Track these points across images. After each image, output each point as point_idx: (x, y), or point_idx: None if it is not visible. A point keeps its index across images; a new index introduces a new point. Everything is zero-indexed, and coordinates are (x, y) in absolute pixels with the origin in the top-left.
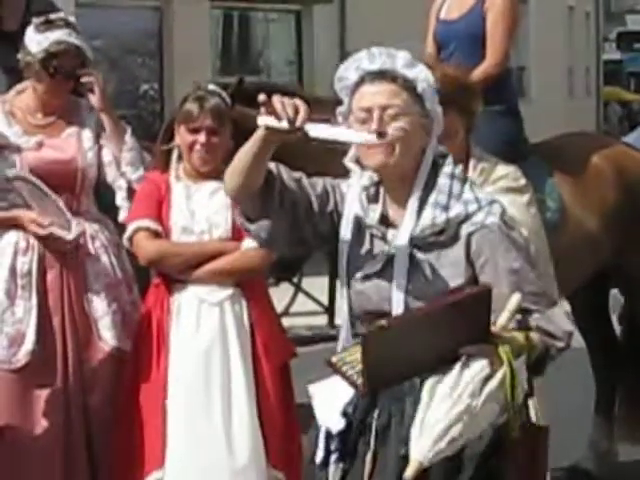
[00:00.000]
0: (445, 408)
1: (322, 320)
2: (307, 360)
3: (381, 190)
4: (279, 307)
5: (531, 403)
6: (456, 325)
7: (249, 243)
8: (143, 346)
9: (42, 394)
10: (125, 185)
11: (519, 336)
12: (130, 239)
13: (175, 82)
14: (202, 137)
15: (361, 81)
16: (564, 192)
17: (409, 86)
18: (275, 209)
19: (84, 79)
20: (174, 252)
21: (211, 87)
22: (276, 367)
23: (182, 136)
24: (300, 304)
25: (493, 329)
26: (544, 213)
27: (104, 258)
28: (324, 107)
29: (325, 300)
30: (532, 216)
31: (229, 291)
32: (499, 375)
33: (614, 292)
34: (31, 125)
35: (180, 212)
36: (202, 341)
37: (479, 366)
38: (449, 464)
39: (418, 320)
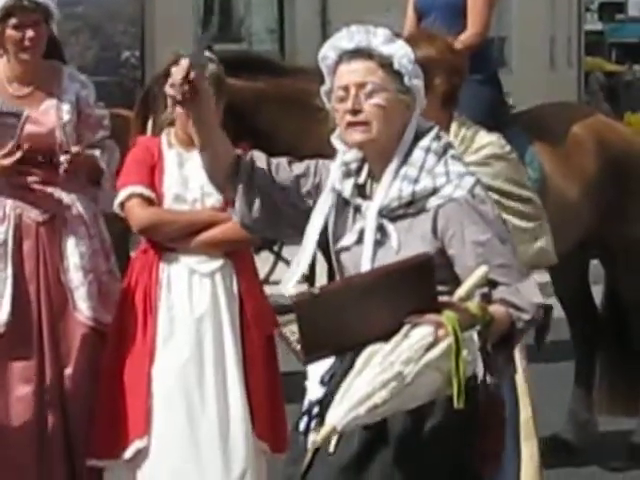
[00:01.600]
0: (372, 374)
1: (303, 288)
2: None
3: (365, 165)
4: (260, 275)
5: (517, 380)
6: (398, 294)
7: None
8: (129, 313)
9: (16, 365)
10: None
11: (472, 306)
12: (121, 205)
13: (156, 49)
14: None
15: (340, 60)
16: (545, 161)
17: (386, 63)
18: (246, 193)
19: (62, 159)
20: (168, 220)
21: (207, 54)
22: (263, 338)
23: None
24: (281, 272)
25: (444, 299)
26: None
27: (81, 228)
28: (306, 76)
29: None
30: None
31: (220, 262)
32: (443, 344)
33: (594, 263)
34: (10, 96)
35: (173, 179)
36: (194, 313)
37: (420, 334)
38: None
39: (352, 287)
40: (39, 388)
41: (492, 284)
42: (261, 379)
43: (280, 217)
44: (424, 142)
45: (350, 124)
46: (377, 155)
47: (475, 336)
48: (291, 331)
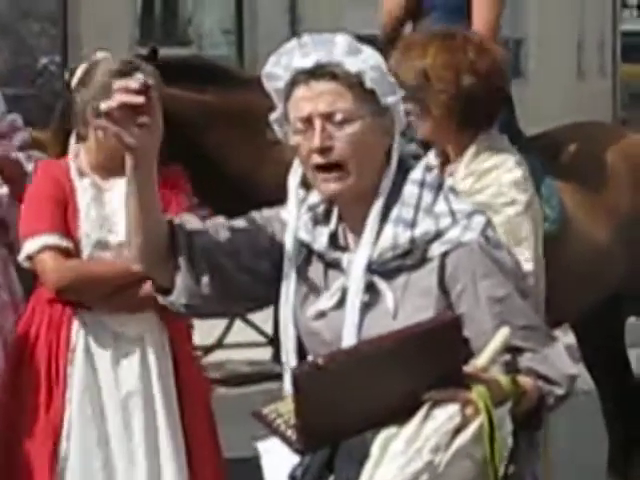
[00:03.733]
0: (398, 465)
1: (265, 353)
2: (247, 403)
3: (334, 208)
4: (210, 337)
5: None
6: (416, 364)
7: None
8: (26, 378)
9: None
10: None
11: (503, 379)
12: (31, 258)
13: (83, 55)
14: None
15: (294, 81)
16: (566, 196)
17: (354, 81)
18: (190, 267)
19: None
20: (91, 277)
21: (132, 59)
22: (202, 406)
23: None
24: (237, 333)
25: (468, 370)
26: None
27: None
28: (262, 88)
29: (269, 329)
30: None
31: (149, 321)
32: (474, 426)
33: (631, 321)
34: None
35: (90, 220)
36: (121, 389)
37: (446, 415)
38: None
39: (364, 357)
40: None
41: (514, 350)
42: (205, 460)
43: (235, 288)
44: (415, 174)
45: (319, 168)
46: (354, 198)
47: (507, 415)
48: (277, 412)
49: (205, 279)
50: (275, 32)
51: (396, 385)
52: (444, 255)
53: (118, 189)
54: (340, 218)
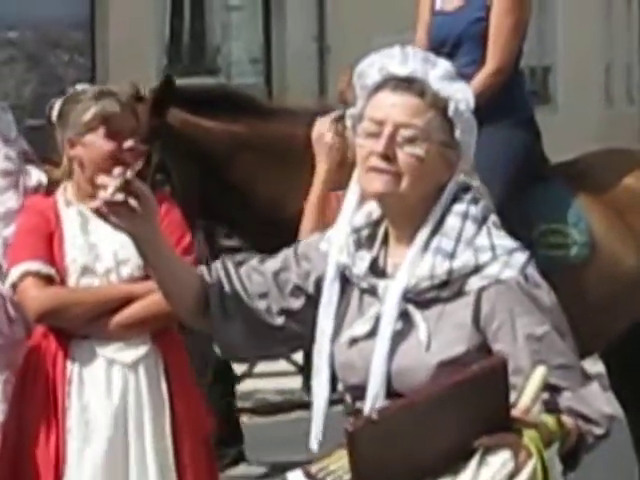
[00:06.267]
0: None
1: (295, 382)
2: (276, 432)
3: (379, 232)
4: (241, 366)
5: None
6: (466, 410)
7: None
8: (26, 417)
9: None
10: None
11: (549, 420)
12: (14, 286)
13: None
14: (129, 142)
15: (383, 84)
16: (594, 223)
17: (440, 105)
18: (223, 318)
19: None
20: (73, 301)
21: (108, 88)
22: (199, 443)
23: (93, 145)
24: (267, 362)
25: (514, 413)
26: (568, 248)
27: None
28: (297, 119)
29: (299, 358)
30: None
31: (144, 348)
32: (527, 470)
33: None
34: None
35: (77, 247)
36: (115, 417)
37: (500, 460)
38: None
39: (415, 407)
40: None
41: (552, 389)
42: None
43: (269, 330)
44: (460, 206)
45: (374, 169)
46: (400, 217)
47: (556, 456)
48: (327, 470)
49: (238, 325)
50: (303, 61)
51: (447, 433)
52: (481, 290)
53: None
54: (383, 243)
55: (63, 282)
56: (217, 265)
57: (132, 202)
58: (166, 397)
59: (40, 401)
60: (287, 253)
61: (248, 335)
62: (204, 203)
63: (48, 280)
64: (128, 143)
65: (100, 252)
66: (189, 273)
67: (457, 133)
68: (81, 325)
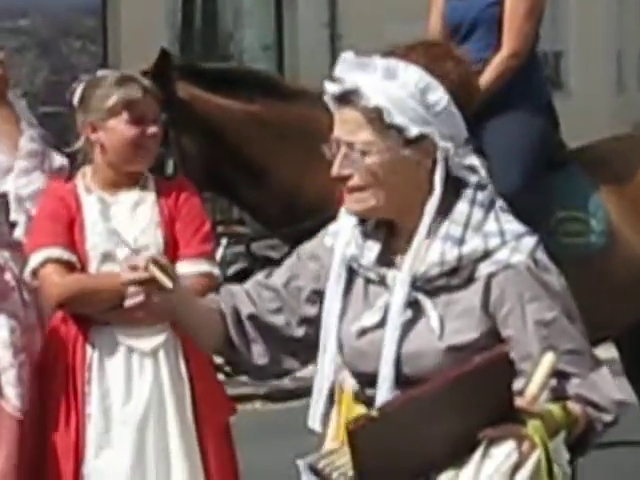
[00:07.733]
0: None
1: (309, 369)
2: (290, 419)
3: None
4: None
5: None
6: (469, 402)
7: (186, 266)
8: (47, 403)
9: None
10: (16, 203)
11: (555, 409)
12: (34, 272)
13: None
14: (153, 128)
15: (332, 103)
16: (612, 210)
17: (373, 116)
18: (245, 344)
19: None
20: (95, 288)
21: (131, 73)
22: (220, 428)
23: (116, 130)
24: None
25: (519, 402)
26: (586, 236)
27: (14, 295)
28: (310, 101)
29: None
30: None
31: (163, 335)
32: (532, 461)
33: None
34: None
35: (98, 234)
36: (135, 404)
37: (504, 452)
38: None
39: (417, 402)
40: None
41: (561, 375)
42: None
43: (291, 342)
44: (467, 192)
45: (346, 190)
46: (397, 216)
47: (563, 445)
48: (333, 465)
49: (261, 346)
50: (315, 48)
51: (450, 426)
52: (490, 276)
53: (124, 202)
54: (390, 233)
55: (84, 269)
56: (224, 292)
57: (164, 280)
58: (187, 383)
59: (60, 387)
60: (290, 261)
61: (273, 353)
62: (215, 179)
63: (69, 267)
64: (152, 129)
65: (120, 238)
66: (212, 312)
67: (409, 131)
68: (103, 312)
